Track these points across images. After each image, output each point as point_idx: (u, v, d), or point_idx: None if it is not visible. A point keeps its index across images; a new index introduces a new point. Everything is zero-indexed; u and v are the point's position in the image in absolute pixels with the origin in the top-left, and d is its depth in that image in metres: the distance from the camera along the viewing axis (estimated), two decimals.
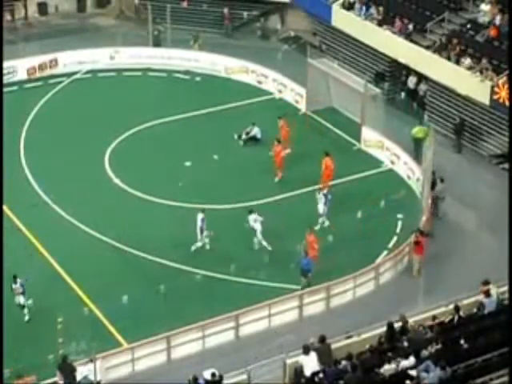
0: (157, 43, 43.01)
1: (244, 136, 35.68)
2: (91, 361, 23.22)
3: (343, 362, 21.60)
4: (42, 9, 46.86)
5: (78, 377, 23.34)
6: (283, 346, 22.64)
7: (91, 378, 23.24)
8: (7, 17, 45.53)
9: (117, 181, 33.21)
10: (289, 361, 22.05)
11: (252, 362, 22.06)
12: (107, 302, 26.34)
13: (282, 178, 33.03)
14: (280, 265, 28.44)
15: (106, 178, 33.41)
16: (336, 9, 41.43)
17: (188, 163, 34.01)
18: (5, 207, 30.91)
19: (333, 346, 22.46)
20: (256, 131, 35.75)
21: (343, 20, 41.10)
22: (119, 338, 25.66)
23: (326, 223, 30.34)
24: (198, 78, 41.09)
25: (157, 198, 31.89)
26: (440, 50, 36.62)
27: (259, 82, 40.36)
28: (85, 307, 26.53)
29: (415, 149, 34.37)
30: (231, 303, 26.40)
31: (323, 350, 22.08)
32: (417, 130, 35.14)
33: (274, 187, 32.70)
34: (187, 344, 25.23)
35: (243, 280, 27.80)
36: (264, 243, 29.15)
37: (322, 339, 22.33)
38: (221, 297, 27.13)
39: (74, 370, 23.28)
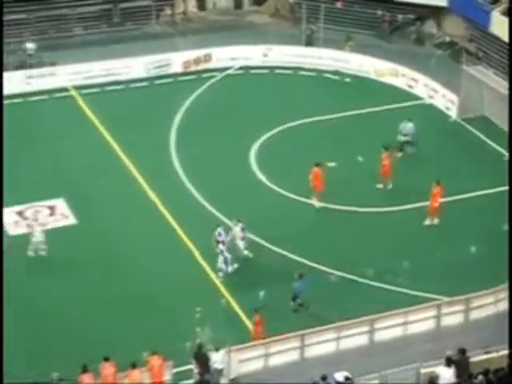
0: (309, 42, 43.22)
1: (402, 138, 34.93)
2: (225, 352, 23.63)
3: (479, 377, 21.07)
4: (201, 5, 48.10)
5: (211, 367, 23.81)
6: (418, 355, 22.29)
7: (221, 368, 23.67)
8: (167, 11, 46.99)
9: (261, 177, 33.58)
10: (423, 370, 21.72)
11: (385, 368, 21.85)
12: (245, 296, 26.70)
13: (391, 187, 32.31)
14: (421, 274, 28.02)
15: (251, 173, 33.85)
16: (496, 15, 40.37)
17: (332, 164, 33.91)
18: (153, 196, 31.94)
19: (470, 360, 21.96)
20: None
21: (503, 27, 39.94)
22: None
23: (235, 265, 28.40)
24: (347, 79, 41.02)
25: (298, 197, 32.02)
26: None
27: (410, 87, 39.86)
28: (222, 299, 27.01)
29: None
30: (367, 307, 26.19)
31: (462, 362, 21.61)
32: None
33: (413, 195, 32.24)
34: (321, 344, 25.22)
35: (381, 285, 27.56)
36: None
37: (463, 351, 21.84)
38: (357, 299, 26.96)
39: (207, 359, 23.74)
